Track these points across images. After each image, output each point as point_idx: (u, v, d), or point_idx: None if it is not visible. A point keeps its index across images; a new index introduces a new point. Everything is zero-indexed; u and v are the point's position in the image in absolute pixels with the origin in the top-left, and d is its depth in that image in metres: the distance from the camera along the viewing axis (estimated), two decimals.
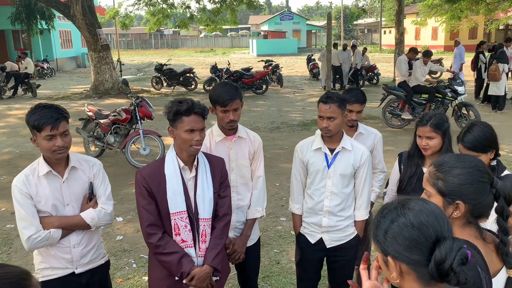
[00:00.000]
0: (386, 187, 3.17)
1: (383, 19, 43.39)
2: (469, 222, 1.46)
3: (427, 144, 2.71)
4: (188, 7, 22.08)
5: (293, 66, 27.12)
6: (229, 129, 2.70)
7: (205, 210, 2.36)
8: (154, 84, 17.53)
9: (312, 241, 2.92)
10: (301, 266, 3.05)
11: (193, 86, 17.10)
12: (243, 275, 3.00)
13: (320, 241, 2.90)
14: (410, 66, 11.09)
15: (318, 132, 3.19)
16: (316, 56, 20.92)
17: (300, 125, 10.74)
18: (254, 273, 3.04)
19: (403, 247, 1.15)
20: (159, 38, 61.38)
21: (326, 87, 14.68)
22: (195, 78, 17.19)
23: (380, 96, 14.30)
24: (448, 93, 9.46)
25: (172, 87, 17.22)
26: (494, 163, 2.40)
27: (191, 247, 2.36)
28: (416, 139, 2.80)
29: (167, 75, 17.08)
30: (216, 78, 16.40)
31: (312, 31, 52.07)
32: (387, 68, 21.25)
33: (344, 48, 16.28)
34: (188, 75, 17.02)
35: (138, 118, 7.41)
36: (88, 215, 2.35)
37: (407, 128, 9.93)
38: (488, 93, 11.33)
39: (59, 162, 2.33)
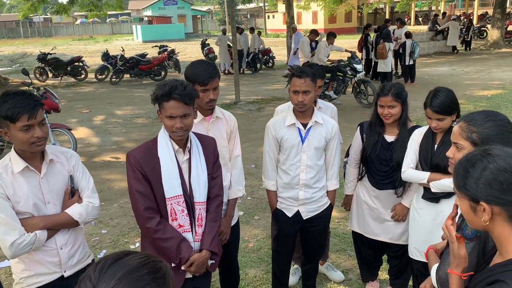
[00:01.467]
0: (346, 157, 3.36)
1: (266, 4, 44.71)
2: None
3: (389, 112, 2.92)
4: None
5: (185, 52, 26.68)
6: (208, 109, 2.62)
7: (201, 193, 2.29)
8: (37, 75, 15.89)
9: (290, 214, 3.00)
10: (278, 240, 3.11)
11: (83, 76, 15.94)
12: (224, 255, 2.96)
13: (297, 213, 2.99)
14: (311, 47, 11.71)
15: (287, 108, 3.26)
16: (210, 41, 20.87)
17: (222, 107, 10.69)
18: (235, 253, 3.03)
19: (498, 191, 1.25)
20: (28, 26, 55.46)
21: (229, 70, 14.82)
22: (85, 67, 16.04)
23: (278, 78, 14.89)
24: (348, 71, 10.19)
25: (60, 78, 15.85)
26: (455, 124, 2.69)
27: (189, 231, 2.27)
28: (377, 109, 3.01)
29: (53, 65, 15.62)
30: (109, 66, 15.54)
31: (198, 16, 51.58)
32: (279, 52, 22.02)
33: (241, 32, 16.47)
34: (76, 64, 15.79)
35: (44, 111, 6.71)
36: (75, 211, 2.13)
37: None
38: (377, 70, 12.42)
39: (34, 156, 2.06)
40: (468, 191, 1.31)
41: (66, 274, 2.16)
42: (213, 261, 2.41)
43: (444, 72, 14.79)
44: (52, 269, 2.12)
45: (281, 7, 43.73)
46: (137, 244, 4.34)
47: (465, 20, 26.78)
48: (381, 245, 3.30)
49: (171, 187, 2.20)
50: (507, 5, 23.68)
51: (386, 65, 12.00)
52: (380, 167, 3.06)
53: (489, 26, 24.03)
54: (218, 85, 2.56)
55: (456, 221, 1.94)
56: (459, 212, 1.94)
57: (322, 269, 3.75)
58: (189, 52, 27.11)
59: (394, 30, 13.71)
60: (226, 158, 2.75)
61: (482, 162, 1.30)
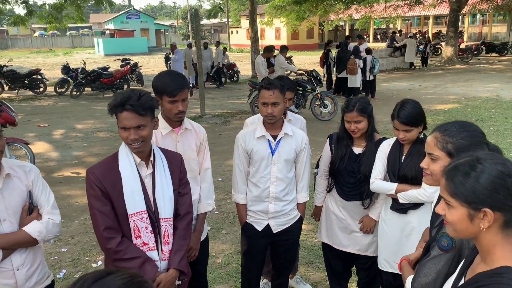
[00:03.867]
0: (316, 168, 3.36)
1: (229, 19, 45.04)
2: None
3: (355, 127, 2.95)
4: (26, 1, 19.71)
5: (148, 65, 26.39)
6: (177, 121, 2.55)
7: (166, 209, 2.18)
8: None
9: (259, 228, 2.95)
10: (248, 255, 3.05)
11: (41, 89, 15.41)
12: (193, 272, 2.87)
13: (267, 227, 2.95)
14: (269, 64, 11.81)
15: (257, 120, 3.24)
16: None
17: None
18: (204, 269, 2.94)
19: (504, 196, 1.22)
20: None
21: (194, 84, 14.75)
22: (44, 80, 15.53)
23: (243, 92, 14.95)
24: (308, 86, 10.43)
25: (16, 91, 15.25)
26: (421, 136, 2.75)
27: (154, 249, 2.16)
28: (344, 124, 3.03)
29: (9, 77, 15.02)
30: (69, 79, 15.12)
31: (161, 30, 51.27)
32: (243, 66, 22.16)
33: (206, 47, 16.46)
34: (35, 76, 15.27)
35: None
36: (35, 229, 2.00)
37: None
38: (348, 85, 12.71)
39: None
40: (468, 198, 1.26)
41: None
42: (180, 282, 2.29)
43: (402, 87, 15.28)
44: None
45: (245, 23, 44.20)
46: (100, 263, 4.16)
47: (420, 38, 27.97)
48: (350, 257, 3.30)
49: (134, 202, 2.09)
50: (459, 24, 24.86)
51: (356, 80, 12.33)
52: (348, 179, 3.07)
53: (443, 43, 25.15)
54: (187, 96, 2.51)
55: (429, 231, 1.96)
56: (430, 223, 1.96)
57: (291, 283, 3.71)
58: (152, 65, 26.85)
59: (353, 46, 14.10)
60: (195, 171, 2.69)
61: (483, 167, 1.25)
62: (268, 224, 2.94)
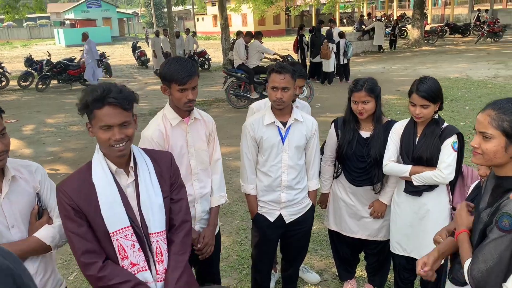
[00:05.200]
0: (321, 154, 3.26)
1: (195, 6, 44.20)
2: None
3: (363, 108, 2.86)
4: None
5: (114, 55, 25.57)
6: (187, 110, 2.39)
7: (156, 221, 1.86)
8: None
9: (272, 219, 2.85)
10: (260, 247, 2.94)
11: (3, 83, 14.68)
12: (206, 269, 2.74)
13: (279, 217, 2.85)
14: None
15: (263, 106, 3.11)
16: (141, 44, 20.19)
17: (152, 113, 10.26)
18: (218, 265, 2.81)
19: None
20: None
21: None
22: (6, 73, 14.78)
23: (216, 79, 14.71)
24: None
25: None
26: (436, 116, 2.69)
27: (145, 270, 1.84)
28: (351, 105, 2.95)
29: None
30: (33, 71, 14.44)
31: (124, 19, 49.80)
32: (212, 53, 21.80)
33: (177, 35, 16.08)
34: None
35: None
36: (47, 234, 1.81)
37: None
38: (323, 70, 12.67)
39: None
40: (511, 130, 1.56)
41: None
42: None
43: (374, 70, 15.41)
44: None
45: (211, 10, 43.51)
46: None
47: (386, 21, 28.30)
48: (359, 243, 3.26)
49: (114, 218, 1.78)
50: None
51: (330, 65, 12.30)
52: (357, 164, 3.00)
53: (409, 26, 25.54)
54: (197, 84, 2.34)
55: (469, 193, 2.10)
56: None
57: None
58: (118, 55, 26.09)
59: (326, 31, 14.08)
60: (206, 163, 2.54)
61: None
62: (280, 214, 2.84)
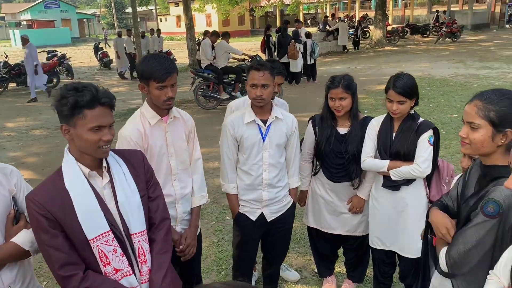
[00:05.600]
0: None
1: (157, 7, 43.51)
2: (509, 147, 1.66)
3: (340, 105, 2.88)
4: None
5: (75, 57, 24.82)
6: (166, 108, 2.33)
7: (136, 221, 1.81)
8: None
9: (253, 218, 2.82)
10: (242, 246, 2.91)
11: None
12: (187, 271, 2.68)
13: (261, 216, 2.83)
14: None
15: (242, 104, 3.07)
16: (103, 45, 19.71)
17: (117, 116, 10.02)
18: (199, 266, 2.76)
19: None
20: None
21: (123, 73, 14.12)
22: None
23: (182, 80, 14.54)
24: None
25: None
26: (412, 112, 2.74)
27: (130, 275, 1.78)
28: (328, 102, 2.96)
29: None
30: None
31: (84, 20, 48.50)
32: (177, 54, 21.55)
33: (143, 36, 15.80)
34: None
35: None
36: (26, 239, 1.72)
37: (221, 108, 10.35)
38: (291, 70, 12.72)
39: None
40: (497, 120, 1.61)
41: None
42: None
43: (340, 70, 15.64)
44: None
45: (174, 10, 43.03)
46: None
47: (349, 21, 28.83)
48: (338, 239, 3.28)
49: (92, 224, 1.70)
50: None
51: (297, 65, 12.38)
52: (336, 160, 3.01)
53: (371, 27, 26.12)
54: (176, 81, 2.28)
55: (455, 181, 2.05)
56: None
57: None
58: (79, 57, 25.39)
59: (293, 31, 14.18)
60: (186, 162, 2.48)
61: None
62: (262, 213, 2.82)
